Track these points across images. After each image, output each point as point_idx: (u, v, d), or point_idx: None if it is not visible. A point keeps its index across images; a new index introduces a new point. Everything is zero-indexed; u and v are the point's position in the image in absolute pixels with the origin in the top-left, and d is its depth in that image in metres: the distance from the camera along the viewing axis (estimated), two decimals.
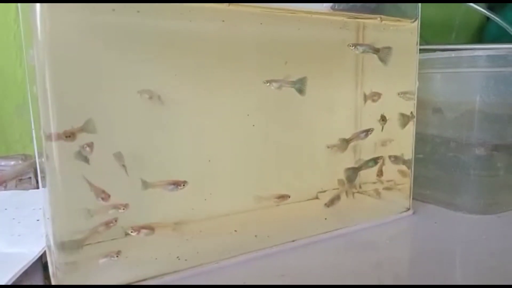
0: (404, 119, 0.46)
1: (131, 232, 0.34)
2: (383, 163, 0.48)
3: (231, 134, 0.43)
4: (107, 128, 0.36)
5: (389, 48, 0.45)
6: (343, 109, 0.51)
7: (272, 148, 0.46)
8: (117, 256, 0.33)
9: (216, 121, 0.42)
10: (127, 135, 0.37)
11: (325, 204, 0.45)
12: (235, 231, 0.41)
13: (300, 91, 0.41)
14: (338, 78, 0.49)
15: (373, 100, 0.48)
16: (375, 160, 0.47)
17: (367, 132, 0.46)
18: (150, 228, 0.34)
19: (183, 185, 0.35)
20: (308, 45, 0.45)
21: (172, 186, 0.35)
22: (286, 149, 0.47)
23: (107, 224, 0.34)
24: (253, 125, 0.43)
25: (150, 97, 0.36)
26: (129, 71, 0.36)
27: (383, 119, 0.46)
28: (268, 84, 0.40)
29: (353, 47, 0.45)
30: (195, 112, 0.40)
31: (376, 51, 0.45)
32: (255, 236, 0.39)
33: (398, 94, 0.47)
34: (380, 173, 0.49)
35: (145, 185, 0.35)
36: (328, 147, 0.46)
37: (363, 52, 0.46)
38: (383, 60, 0.45)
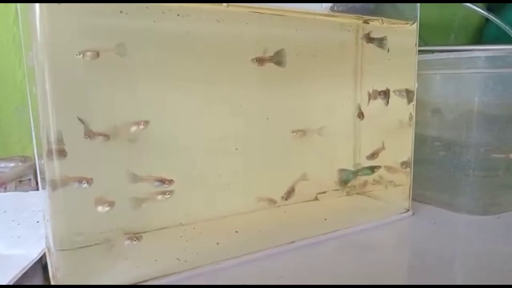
0: (410, 95, 0.46)
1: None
2: (382, 148, 0.48)
3: (231, 136, 0.43)
4: (105, 128, 0.36)
5: (383, 37, 0.46)
6: (343, 110, 0.51)
7: (272, 150, 0.46)
8: (136, 240, 0.34)
9: (217, 123, 0.42)
10: (125, 134, 0.37)
11: (282, 197, 0.45)
12: (236, 232, 0.41)
13: (279, 63, 0.41)
14: (338, 79, 0.49)
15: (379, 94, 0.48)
16: (372, 169, 0.47)
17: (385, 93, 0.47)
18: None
19: (168, 183, 0.36)
20: (307, 46, 0.45)
21: (158, 183, 0.36)
22: (286, 151, 0.47)
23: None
24: (254, 127, 0.44)
25: (97, 55, 0.33)
26: (128, 72, 0.37)
27: (383, 93, 0.46)
28: (255, 61, 0.41)
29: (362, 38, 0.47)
30: (196, 115, 0.41)
31: (371, 40, 0.47)
32: (255, 237, 0.39)
33: (394, 92, 0.47)
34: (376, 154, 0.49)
35: (134, 178, 0.36)
36: (292, 132, 0.46)
37: (368, 42, 0.47)
38: (381, 47, 0.46)
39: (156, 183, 0.36)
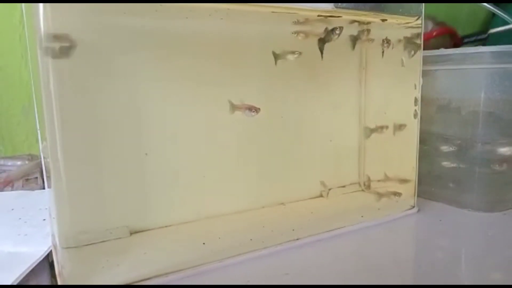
0: (414, 46, 0.46)
1: None
2: None
3: (237, 132, 0.43)
4: (110, 129, 0.36)
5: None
6: (346, 106, 0.50)
7: (277, 147, 0.46)
8: None
9: (217, 120, 0.42)
10: (128, 132, 0.37)
11: None
12: (241, 229, 0.41)
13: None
14: (342, 75, 0.49)
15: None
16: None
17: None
18: None
19: (255, 111, 0.41)
20: (309, 43, 0.45)
21: (248, 111, 0.41)
22: (291, 148, 0.47)
23: None
24: (257, 123, 0.44)
25: None
26: (131, 71, 0.37)
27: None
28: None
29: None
30: (196, 111, 0.41)
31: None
32: (260, 234, 0.39)
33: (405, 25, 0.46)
34: None
35: (232, 107, 0.41)
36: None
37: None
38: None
39: (247, 111, 0.41)
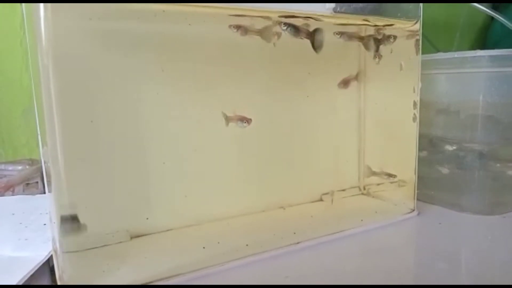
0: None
1: None
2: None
3: (237, 136, 0.43)
4: (110, 134, 0.36)
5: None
6: (346, 110, 0.51)
7: (277, 151, 0.46)
8: None
9: (217, 124, 0.42)
10: (129, 137, 0.38)
11: None
12: (242, 232, 0.41)
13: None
14: (341, 79, 0.49)
15: None
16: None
17: None
18: None
19: (247, 121, 0.42)
20: (310, 47, 0.45)
21: (240, 122, 0.42)
22: (290, 152, 0.47)
23: None
24: (257, 128, 0.44)
25: None
26: (130, 74, 0.37)
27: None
28: None
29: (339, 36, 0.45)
30: (196, 115, 0.41)
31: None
32: (260, 238, 0.39)
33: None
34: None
35: (226, 119, 0.42)
36: None
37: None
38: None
39: (239, 122, 0.42)
